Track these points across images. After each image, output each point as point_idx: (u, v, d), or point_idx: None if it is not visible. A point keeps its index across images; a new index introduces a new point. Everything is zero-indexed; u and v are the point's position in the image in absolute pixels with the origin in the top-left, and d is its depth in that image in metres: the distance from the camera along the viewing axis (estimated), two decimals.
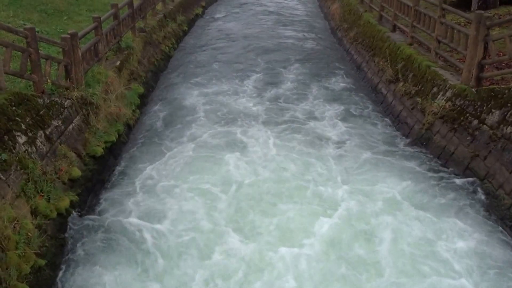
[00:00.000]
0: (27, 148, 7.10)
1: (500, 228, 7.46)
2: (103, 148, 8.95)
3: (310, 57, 16.80)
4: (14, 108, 7.22)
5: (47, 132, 7.81)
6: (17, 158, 6.71)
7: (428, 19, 11.63)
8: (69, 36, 9.01)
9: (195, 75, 14.78)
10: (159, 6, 18.55)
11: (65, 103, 8.73)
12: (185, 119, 11.36)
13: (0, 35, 10.60)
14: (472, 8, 14.88)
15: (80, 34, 9.47)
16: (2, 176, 6.25)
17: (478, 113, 8.82)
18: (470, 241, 7.09)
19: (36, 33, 8.14)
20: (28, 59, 7.96)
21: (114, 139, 9.41)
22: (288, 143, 10.25)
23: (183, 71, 15.30)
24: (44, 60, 8.57)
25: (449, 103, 9.69)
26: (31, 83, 8.44)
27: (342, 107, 12.36)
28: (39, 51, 8.23)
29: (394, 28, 14.28)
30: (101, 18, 10.97)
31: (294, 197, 8.24)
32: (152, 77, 14.07)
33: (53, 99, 8.40)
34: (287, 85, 13.97)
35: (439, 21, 10.90)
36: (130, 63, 12.58)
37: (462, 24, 12.56)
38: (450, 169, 9.01)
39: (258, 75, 14.83)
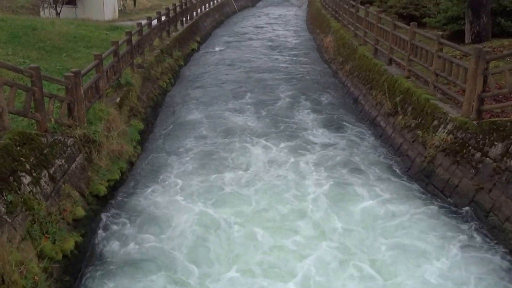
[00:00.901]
0: (31, 188, 7.01)
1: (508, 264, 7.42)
2: (106, 187, 8.86)
3: (306, 90, 16.88)
4: (18, 148, 7.16)
5: (51, 172, 7.73)
6: (22, 199, 6.62)
7: (425, 53, 11.81)
8: (72, 74, 9.03)
9: (191, 111, 14.76)
10: (156, 42, 18.74)
11: (68, 142, 8.68)
12: (183, 157, 11.34)
13: (2, 73, 10.60)
14: (466, 41, 15.20)
15: (82, 72, 9.50)
16: (8, 219, 6.15)
17: (481, 146, 8.87)
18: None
19: (42, 72, 8.15)
20: (32, 98, 7.94)
21: (117, 177, 9.33)
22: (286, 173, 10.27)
23: (180, 107, 15.33)
24: (48, 98, 8.56)
25: (451, 136, 9.75)
26: (33, 121, 8.40)
27: (341, 139, 12.41)
28: (43, 90, 8.22)
29: (390, 62, 14.48)
30: (103, 56, 11.01)
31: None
32: (151, 112, 14.09)
33: (56, 137, 8.36)
34: (285, 119, 14.00)
35: (437, 55, 11.08)
36: (130, 99, 12.60)
37: (458, 57, 12.76)
38: (455, 201, 9.02)
39: (255, 113, 14.68)
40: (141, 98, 13.64)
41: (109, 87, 11.95)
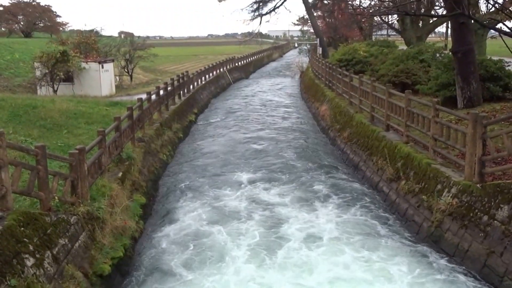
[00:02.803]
0: (35, 271, 6.82)
1: None
2: (110, 266, 8.65)
3: (307, 159, 16.96)
4: (22, 228, 7.04)
5: (54, 252, 7.56)
6: (26, 283, 6.42)
7: (422, 119, 12.05)
8: (77, 151, 9.07)
9: (191, 184, 14.69)
10: (156, 116, 19.04)
11: (71, 220, 8.56)
12: (184, 231, 11.17)
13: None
14: (459, 106, 15.54)
15: (87, 148, 9.55)
16: None
17: (487, 209, 8.85)
18: None
19: (46, 150, 8.18)
20: (36, 176, 7.93)
21: (121, 254, 9.14)
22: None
23: (180, 178, 15.32)
24: (52, 176, 8.54)
25: (456, 199, 9.74)
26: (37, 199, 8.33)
27: (346, 206, 12.32)
28: (47, 168, 8.22)
29: (388, 128, 14.71)
30: (105, 131, 11.12)
31: None
32: (152, 186, 14.06)
33: (59, 216, 8.25)
34: (285, 189, 13.96)
35: (434, 120, 11.29)
36: (132, 173, 12.61)
37: (454, 121, 12.99)
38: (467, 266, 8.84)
39: (252, 182, 14.59)
40: (142, 171, 13.65)
41: (111, 162, 11.97)
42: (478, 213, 9.01)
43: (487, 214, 8.79)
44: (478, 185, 9.34)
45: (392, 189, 12.48)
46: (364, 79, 17.98)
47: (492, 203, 8.77)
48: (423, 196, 10.79)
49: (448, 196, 9.98)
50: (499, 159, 10.05)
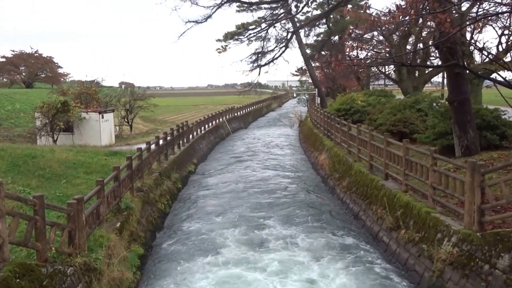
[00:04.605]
0: None
1: None
2: None
3: (306, 209, 16.84)
4: (18, 280, 6.95)
5: None
6: None
7: (420, 167, 12.10)
8: (75, 201, 9.06)
9: (189, 236, 14.51)
10: (155, 165, 19.09)
11: (68, 271, 8.44)
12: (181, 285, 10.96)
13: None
14: (456, 155, 15.62)
15: (85, 198, 9.54)
16: None
17: (488, 258, 8.75)
18: None
19: (45, 200, 8.17)
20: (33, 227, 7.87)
21: None
22: None
23: (178, 229, 15.19)
24: (49, 226, 8.48)
25: (456, 248, 9.64)
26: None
27: (347, 257, 12.15)
28: (45, 219, 8.18)
29: (387, 177, 14.74)
30: (104, 181, 11.14)
31: None
32: (151, 236, 13.93)
33: (56, 267, 8.15)
34: (286, 241, 13.79)
35: (432, 169, 11.33)
36: (130, 223, 12.53)
37: (452, 170, 13.03)
38: None
39: (255, 236, 14.34)
40: (140, 222, 13.56)
41: (110, 212, 11.92)
42: (479, 262, 8.90)
43: (488, 263, 8.69)
44: (478, 233, 9.28)
45: (392, 239, 12.38)
46: (362, 128, 18.18)
47: (493, 252, 8.68)
48: (424, 245, 10.69)
49: (449, 245, 9.89)
50: (498, 207, 10.02)
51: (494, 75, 15.15)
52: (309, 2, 38.67)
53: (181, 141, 26.13)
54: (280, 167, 25.63)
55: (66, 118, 28.12)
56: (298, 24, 41.13)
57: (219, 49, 33.09)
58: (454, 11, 13.94)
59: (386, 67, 33.25)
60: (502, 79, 13.16)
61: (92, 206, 10.41)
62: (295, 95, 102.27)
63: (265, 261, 12.24)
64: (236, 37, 35.31)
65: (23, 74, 65.09)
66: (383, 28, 26.44)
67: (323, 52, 45.80)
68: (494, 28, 19.61)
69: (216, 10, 28.92)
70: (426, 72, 31.39)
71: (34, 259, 8.09)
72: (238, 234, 14.51)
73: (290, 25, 40.89)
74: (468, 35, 17.84)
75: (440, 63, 18.81)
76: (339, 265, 11.88)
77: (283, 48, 37.09)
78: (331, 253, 12.65)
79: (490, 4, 15.82)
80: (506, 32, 21.57)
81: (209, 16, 29.34)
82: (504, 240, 8.53)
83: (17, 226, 7.66)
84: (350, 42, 37.19)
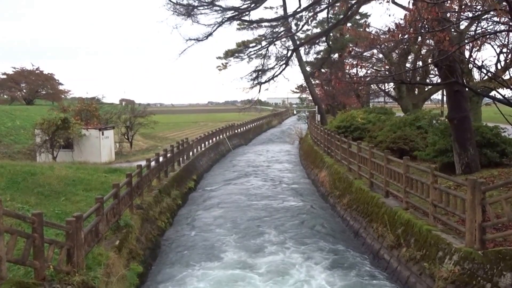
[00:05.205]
0: None
1: None
2: None
3: (307, 227, 16.74)
4: None
5: None
6: None
7: (421, 185, 12.06)
8: (74, 219, 9.01)
9: (188, 253, 14.40)
10: (155, 182, 19.05)
11: None
12: None
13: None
14: (457, 172, 15.59)
15: (84, 215, 9.49)
16: None
17: (489, 276, 8.66)
18: None
19: (44, 218, 8.12)
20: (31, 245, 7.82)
21: None
22: None
23: (178, 246, 15.09)
24: (48, 244, 8.42)
25: (458, 267, 9.56)
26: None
27: (347, 275, 12.04)
28: (43, 236, 8.13)
29: (387, 194, 14.69)
30: (104, 198, 11.09)
31: None
32: (150, 254, 13.82)
33: (53, 286, 8.09)
34: (287, 260, 13.66)
35: (432, 187, 11.30)
36: (129, 241, 12.44)
37: (452, 187, 12.99)
38: None
39: (254, 261, 14.02)
40: (140, 239, 13.47)
41: (109, 230, 11.85)
42: (481, 281, 8.81)
43: (490, 281, 8.60)
44: (479, 251, 9.20)
45: (393, 257, 12.28)
46: (362, 146, 18.17)
47: (495, 270, 8.60)
48: (425, 264, 10.60)
49: (450, 263, 9.80)
50: (500, 225, 9.97)
51: (493, 93, 15.20)
52: (309, 21, 39.02)
53: (181, 158, 26.12)
54: (280, 185, 25.56)
55: (66, 135, 28.15)
56: (298, 42, 41.43)
57: (219, 66, 33.39)
58: (452, 30, 14.05)
59: (386, 84, 33.41)
60: (501, 97, 13.19)
61: (91, 223, 10.35)
62: (295, 112, 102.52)
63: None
64: (236, 54, 35.56)
65: (24, 91, 65.34)
66: (383, 46, 26.61)
67: (323, 70, 46.01)
68: (492, 46, 19.78)
69: (216, 28, 29.06)
70: (426, 89, 31.53)
71: (32, 278, 8.02)
72: (237, 255, 14.24)
73: (290, 43, 41.16)
74: (467, 53, 18.00)
75: (439, 80, 18.87)
76: (339, 283, 11.77)
77: (283, 66, 37.27)
78: (331, 271, 12.58)
79: (488, 23, 15.98)
80: (504, 50, 21.75)
81: (210, 34, 29.46)
82: (506, 259, 8.46)
83: (15, 244, 7.61)
84: (350, 60, 37.48)
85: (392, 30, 11.80)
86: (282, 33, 36.67)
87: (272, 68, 37.92)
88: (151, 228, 15.27)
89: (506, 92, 14.61)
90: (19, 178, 16.78)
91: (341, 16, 27.42)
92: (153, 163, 18.83)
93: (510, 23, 11.63)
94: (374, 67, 34.49)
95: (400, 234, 12.26)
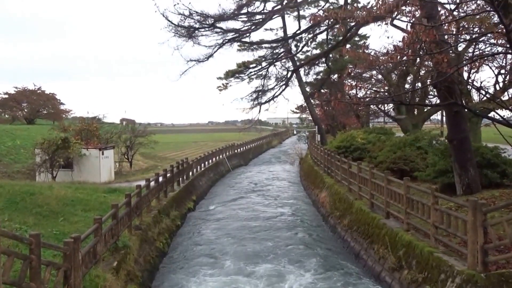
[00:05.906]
0: None
1: None
2: None
3: (307, 249, 16.53)
4: None
5: None
6: None
7: (422, 206, 11.99)
8: (72, 240, 8.92)
9: (187, 273, 14.20)
10: (154, 203, 18.95)
11: None
12: None
13: None
14: (458, 193, 15.51)
15: (82, 237, 9.40)
16: None
17: None
18: None
19: (41, 239, 8.04)
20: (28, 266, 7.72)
21: None
22: None
23: (176, 268, 14.92)
24: (44, 266, 8.32)
25: None
26: None
27: None
28: (41, 258, 8.03)
29: (388, 215, 14.59)
30: (102, 219, 11.01)
31: None
32: (148, 276, 13.67)
33: None
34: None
35: (433, 208, 11.22)
36: (127, 263, 12.31)
37: (453, 208, 12.90)
38: None
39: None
40: (138, 261, 13.34)
41: (107, 251, 11.73)
42: None
43: None
44: (482, 274, 9.09)
45: (395, 279, 12.13)
46: (362, 166, 18.13)
47: None
48: (427, 286, 10.46)
49: (452, 286, 9.67)
50: (502, 247, 9.87)
51: (492, 114, 15.24)
52: (309, 42, 39.26)
53: (180, 178, 26.05)
54: (280, 204, 25.41)
55: (66, 155, 28.13)
56: (298, 63, 41.66)
57: (220, 86, 33.48)
58: (451, 52, 14.14)
59: (386, 105, 33.52)
60: (500, 118, 13.21)
61: (89, 244, 10.25)
62: (295, 132, 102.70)
63: None
64: (237, 75, 35.71)
65: (25, 110, 65.57)
66: (382, 67, 26.79)
67: (322, 90, 46.23)
68: (490, 67, 19.93)
69: (217, 49, 29.35)
70: (425, 110, 31.60)
71: None
72: (234, 279, 13.98)
73: (290, 63, 41.41)
74: (465, 75, 18.12)
75: (438, 101, 18.94)
76: None
77: (283, 86, 37.50)
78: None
79: (485, 45, 16.11)
80: (502, 71, 21.90)
81: (211, 55, 29.75)
82: (509, 281, 8.40)
83: (12, 266, 7.51)
84: (349, 80, 37.74)
85: (390, 52, 11.88)
86: (282, 54, 37.00)
87: (272, 88, 38.13)
88: (150, 249, 15.13)
89: (505, 113, 14.63)
90: (18, 198, 16.69)
91: (340, 38, 27.70)
92: (152, 183, 18.77)
93: (507, 45, 11.71)
94: (373, 88, 34.75)
95: (401, 256, 12.13)
